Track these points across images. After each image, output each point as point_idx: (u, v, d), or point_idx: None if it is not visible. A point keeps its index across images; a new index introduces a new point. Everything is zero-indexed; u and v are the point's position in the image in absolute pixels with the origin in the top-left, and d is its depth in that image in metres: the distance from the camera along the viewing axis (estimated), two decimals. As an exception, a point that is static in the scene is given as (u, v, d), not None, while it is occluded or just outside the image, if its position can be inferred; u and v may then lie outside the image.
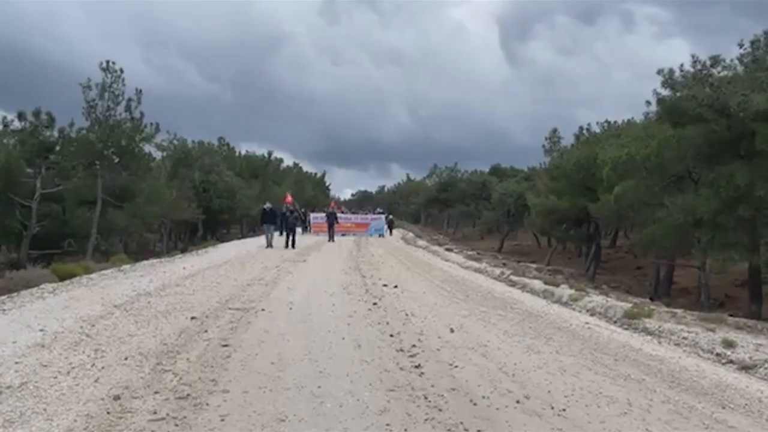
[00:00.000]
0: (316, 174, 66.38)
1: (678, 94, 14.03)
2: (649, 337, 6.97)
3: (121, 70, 21.58)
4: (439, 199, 53.73)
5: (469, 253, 22.25)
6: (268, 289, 9.25)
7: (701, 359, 5.92)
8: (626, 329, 7.48)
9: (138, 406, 3.74)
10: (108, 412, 3.61)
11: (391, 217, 38.52)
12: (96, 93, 21.30)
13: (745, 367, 5.60)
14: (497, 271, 14.31)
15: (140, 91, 22.15)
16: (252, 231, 37.90)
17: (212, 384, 4.26)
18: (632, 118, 23.82)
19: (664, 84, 14.22)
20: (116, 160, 22.37)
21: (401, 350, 5.52)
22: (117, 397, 3.86)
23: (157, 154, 29.73)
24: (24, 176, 19.98)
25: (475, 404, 4.07)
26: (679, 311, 8.97)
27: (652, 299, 13.80)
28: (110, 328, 5.87)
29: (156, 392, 4.02)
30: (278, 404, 3.90)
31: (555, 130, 29.16)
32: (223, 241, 25.41)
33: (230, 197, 33.92)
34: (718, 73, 13.83)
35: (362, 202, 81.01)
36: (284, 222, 20.10)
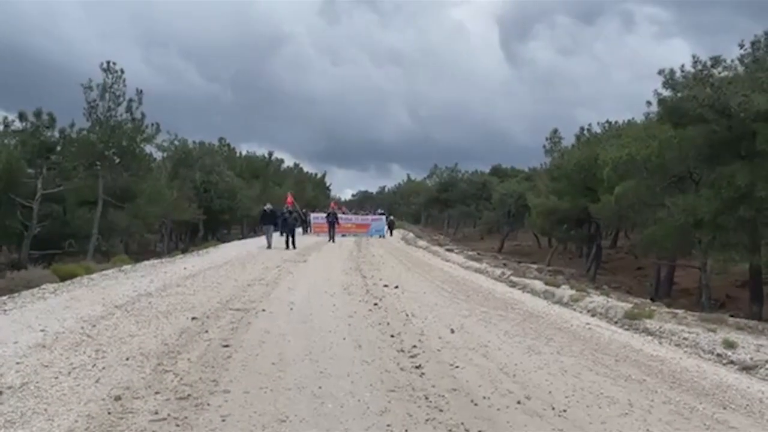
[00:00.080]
0: (316, 174, 66.44)
1: (679, 94, 14.04)
2: (650, 338, 6.96)
3: (122, 71, 21.65)
4: (440, 200, 53.73)
5: (470, 253, 22.24)
6: (269, 290, 9.25)
7: (702, 360, 5.92)
8: (627, 330, 7.47)
9: (139, 407, 3.75)
10: (109, 413, 3.62)
11: (391, 217, 38.49)
12: (97, 93, 21.35)
13: (746, 368, 5.59)
14: (498, 271, 14.30)
15: (141, 91, 22.22)
16: (252, 231, 37.89)
17: (213, 384, 4.26)
18: (633, 118, 23.88)
19: (665, 84, 14.23)
20: (117, 161, 22.40)
21: (402, 351, 5.52)
22: (118, 398, 3.86)
23: (158, 155, 29.83)
24: (25, 177, 20.00)
25: (476, 405, 4.07)
26: (679, 312, 8.96)
27: (652, 300, 13.79)
28: (111, 329, 5.88)
29: (157, 392, 4.02)
30: (279, 404, 3.90)
31: (556, 131, 29.24)
32: (223, 242, 25.41)
33: (231, 198, 33.93)
34: (719, 73, 13.84)
35: (363, 202, 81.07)
36: (284, 223, 20.10)
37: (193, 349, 5.22)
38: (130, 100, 21.93)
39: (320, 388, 4.26)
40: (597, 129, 26.52)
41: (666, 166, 14.90)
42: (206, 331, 5.97)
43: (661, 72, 14.28)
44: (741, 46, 13.98)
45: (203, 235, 34.63)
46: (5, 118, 21.27)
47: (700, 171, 15.03)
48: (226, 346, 5.40)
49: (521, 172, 47.55)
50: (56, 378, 4.21)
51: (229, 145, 43.13)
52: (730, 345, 6.16)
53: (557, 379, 4.81)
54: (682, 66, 14.14)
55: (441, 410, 3.92)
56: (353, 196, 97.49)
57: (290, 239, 19.25)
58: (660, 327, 7.23)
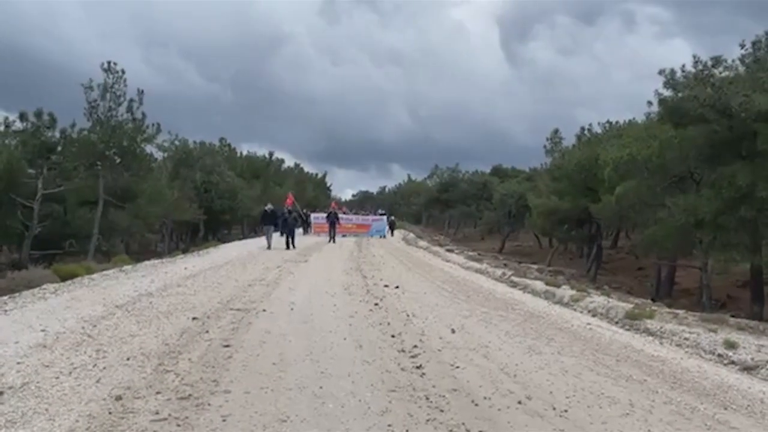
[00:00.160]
0: (317, 174, 66.44)
1: (680, 94, 14.02)
2: (650, 338, 6.96)
3: (123, 71, 21.65)
4: (440, 200, 53.69)
5: (470, 253, 22.25)
6: (270, 290, 9.25)
7: (703, 360, 5.91)
8: (628, 330, 7.47)
9: (140, 407, 3.75)
10: (110, 413, 3.62)
11: (392, 218, 38.48)
12: (98, 93, 21.35)
13: (747, 368, 5.59)
14: (498, 271, 14.30)
15: (142, 91, 22.21)
16: (253, 232, 37.89)
17: (214, 384, 4.26)
18: (633, 118, 23.84)
19: (666, 84, 14.22)
20: (118, 161, 22.40)
21: (402, 351, 5.52)
22: (119, 398, 3.86)
23: (159, 155, 29.83)
24: (26, 177, 19.99)
25: (476, 405, 4.07)
26: (680, 312, 8.96)
27: (653, 300, 13.79)
28: (112, 329, 5.88)
29: (158, 392, 4.02)
30: (280, 405, 3.90)
31: (556, 131, 29.13)
32: (224, 242, 25.43)
33: (231, 198, 33.92)
34: (720, 73, 13.83)
35: (363, 202, 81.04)
36: (284, 223, 20.10)
37: (193, 349, 5.22)
38: (131, 100, 21.95)
39: (321, 388, 4.26)
40: (598, 129, 26.52)
41: (667, 166, 14.89)
42: (207, 331, 5.97)
43: (661, 72, 14.28)
44: (742, 46, 13.98)
45: (204, 235, 34.62)
46: (6, 118, 21.30)
47: (701, 171, 15.02)
48: (227, 346, 5.40)
49: (522, 172, 47.53)
50: (57, 378, 4.21)
51: (229, 145, 43.15)
52: (731, 345, 6.16)
53: (558, 379, 4.80)
54: (683, 66, 14.15)
55: (442, 410, 3.92)
56: (354, 196, 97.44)
57: (290, 239, 19.26)
58: (661, 327, 7.23)
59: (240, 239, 30.31)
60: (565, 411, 4.02)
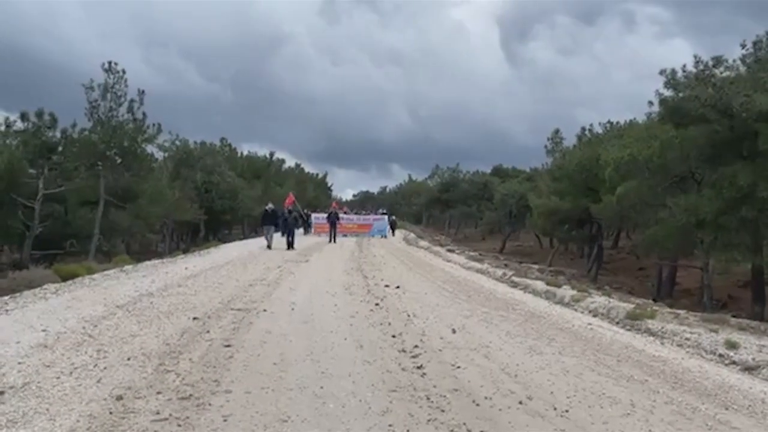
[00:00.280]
0: (317, 174, 66.49)
1: (680, 94, 14.02)
2: (651, 338, 6.95)
3: (123, 71, 21.70)
4: (441, 200, 53.68)
5: (471, 253, 22.24)
6: (270, 290, 9.25)
7: (704, 360, 5.90)
8: (629, 330, 7.46)
9: (141, 407, 3.75)
10: (111, 413, 3.62)
11: (393, 217, 38.49)
12: (98, 94, 21.39)
13: (748, 369, 5.58)
14: (499, 272, 14.30)
15: (143, 92, 22.27)
16: (254, 232, 37.88)
17: (215, 384, 4.26)
18: (634, 118, 23.84)
19: (667, 84, 14.22)
20: (119, 161, 22.44)
21: (403, 351, 5.52)
22: (120, 398, 3.87)
23: (159, 155, 29.86)
24: (27, 177, 20.03)
25: (477, 405, 4.07)
26: (681, 312, 8.95)
27: (654, 300, 13.78)
28: (113, 329, 5.88)
29: (159, 392, 4.02)
30: (281, 404, 3.90)
31: (557, 131, 29.11)
32: (225, 242, 25.42)
33: (232, 198, 33.94)
34: (721, 73, 13.83)
35: (364, 202, 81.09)
36: (284, 223, 20.11)
37: (194, 349, 5.22)
38: (132, 101, 21.99)
39: (322, 388, 4.26)
40: (598, 129, 26.51)
41: (668, 166, 14.88)
42: (208, 331, 5.97)
43: (662, 72, 14.28)
44: (743, 46, 14.00)
45: (204, 235, 34.64)
46: (7, 118, 21.38)
47: (701, 171, 15.01)
48: (228, 346, 5.40)
49: (522, 172, 47.52)
50: (58, 378, 4.21)
51: (230, 145, 43.19)
52: (732, 345, 6.15)
53: (559, 379, 4.80)
54: (684, 66, 14.15)
55: (443, 410, 3.91)
56: (354, 196, 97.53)
57: (290, 239, 19.25)
58: (662, 327, 7.23)
59: (241, 239, 30.31)
60: (566, 411, 4.01)
